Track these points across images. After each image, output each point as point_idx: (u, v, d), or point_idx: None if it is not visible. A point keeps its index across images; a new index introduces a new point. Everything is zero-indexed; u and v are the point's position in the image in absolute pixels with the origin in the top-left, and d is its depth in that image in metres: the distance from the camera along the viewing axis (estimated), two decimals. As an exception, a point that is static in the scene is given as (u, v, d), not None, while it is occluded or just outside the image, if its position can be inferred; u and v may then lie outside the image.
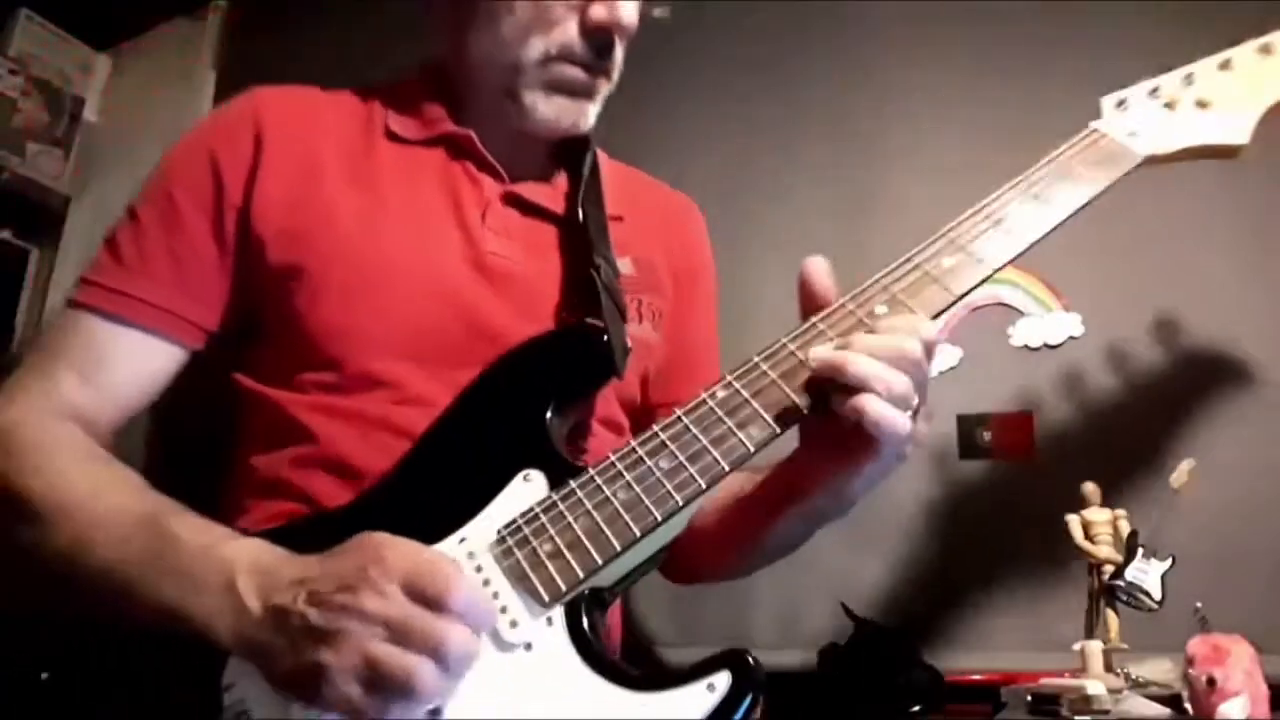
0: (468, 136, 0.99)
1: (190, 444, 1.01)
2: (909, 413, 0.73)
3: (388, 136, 0.99)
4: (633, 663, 0.74)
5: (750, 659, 0.71)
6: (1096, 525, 1.04)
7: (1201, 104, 0.95)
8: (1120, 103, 0.96)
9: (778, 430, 0.76)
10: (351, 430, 0.87)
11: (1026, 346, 1.34)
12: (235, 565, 0.73)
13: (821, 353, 0.75)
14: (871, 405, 0.71)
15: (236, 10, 2.21)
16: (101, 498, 0.80)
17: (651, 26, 1.00)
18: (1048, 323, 1.34)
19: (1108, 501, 1.06)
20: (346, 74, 2.07)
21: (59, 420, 0.86)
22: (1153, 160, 0.92)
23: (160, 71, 2.23)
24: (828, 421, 0.75)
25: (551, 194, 1.02)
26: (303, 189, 0.93)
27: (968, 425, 1.35)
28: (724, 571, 1.05)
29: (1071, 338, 1.32)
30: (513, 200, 0.99)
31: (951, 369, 1.38)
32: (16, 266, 2.17)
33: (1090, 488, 1.07)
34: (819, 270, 0.80)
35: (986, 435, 1.34)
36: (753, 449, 0.75)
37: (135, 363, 0.91)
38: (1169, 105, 0.96)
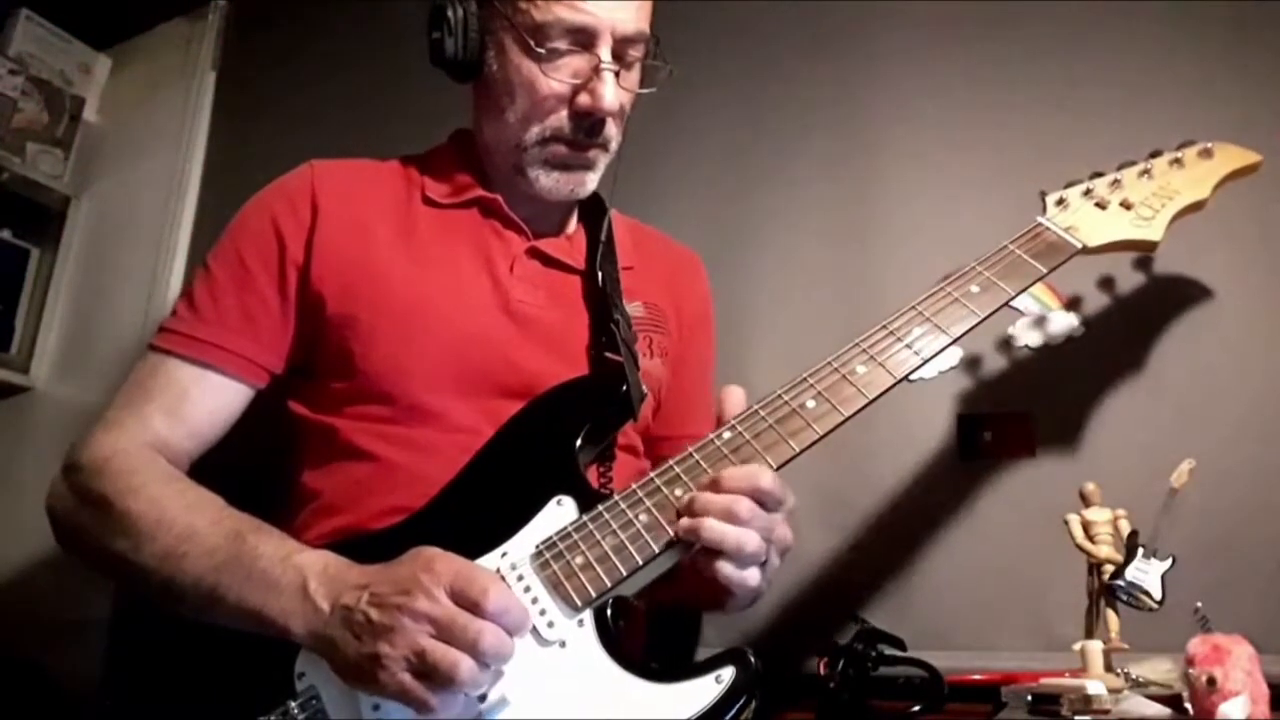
0: (495, 200, 1.13)
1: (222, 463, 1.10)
2: (757, 564, 0.87)
3: (425, 201, 1.13)
4: (653, 660, 0.86)
5: (751, 657, 0.83)
6: (1096, 525, 1.04)
7: (1125, 205, 1.11)
8: (1060, 201, 1.12)
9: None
10: (405, 454, 1.00)
11: (1026, 346, 1.34)
12: (307, 572, 0.86)
13: (683, 523, 0.87)
14: (722, 570, 0.86)
15: (236, 10, 2.21)
16: (191, 515, 0.92)
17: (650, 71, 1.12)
18: (1048, 323, 1.34)
19: (1108, 501, 1.06)
20: (345, 74, 2.10)
21: (149, 450, 1.00)
22: (1085, 251, 1.07)
23: (160, 71, 2.23)
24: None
25: (569, 249, 1.17)
26: (355, 248, 1.07)
27: (968, 425, 1.35)
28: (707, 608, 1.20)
29: (1071, 338, 1.32)
30: (535, 254, 1.13)
31: (951, 369, 1.38)
32: (16, 266, 2.17)
33: (1090, 488, 1.07)
34: (732, 399, 0.95)
35: (986, 435, 1.34)
36: None
37: (211, 401, 1.05)
38: (1100, 205, 1.11)
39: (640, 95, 1.13)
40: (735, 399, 0.95)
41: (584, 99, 1.05)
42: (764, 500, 0.87)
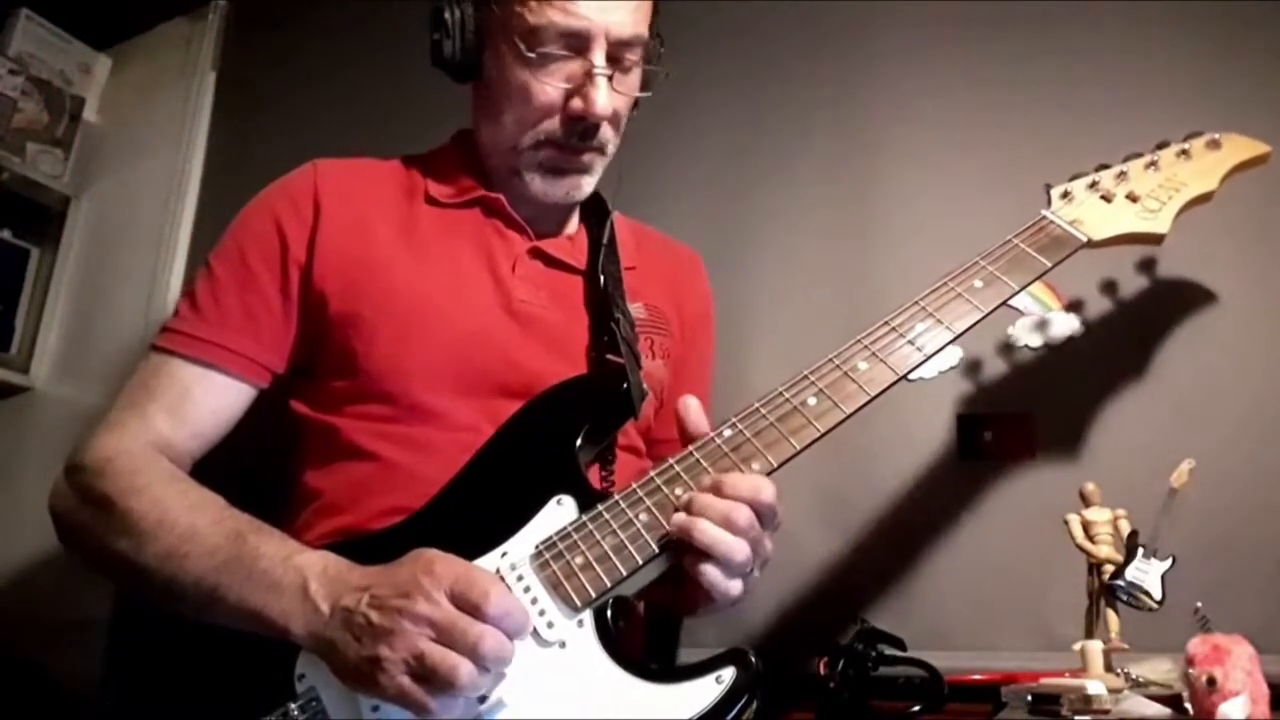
0: (498, 199, 1.13)
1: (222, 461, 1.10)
2: (741, 575, 0.87)
3: (428, 201, 1.13)
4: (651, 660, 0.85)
5: (751, 658, 0.83)
6: (1096, 525, 1.04)
7: (1132, 198, 1.09)
8: (1065, 194, 1.11)
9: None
10: (406, 453, 1.00)
11: (1027, 346, 1.34)
12: (308, 573, 0.86)
13: (678, 519, 0.86)
14: (707, 574, 0.85)
15: (236, 10, 2.21)
16: (193, 515, 0.92)
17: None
18: (1049, 325, 1.34)
19: (1108, 501, 1.06)
20: (345, 74, 2.10)
21: (152, 450, 1.00)
22: (1090, 245, 1.06)
23: (160, 71, 2.22)
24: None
25: (572, 249, 1.16)
26: (357, 247, 1.07)
27: (968, 425, 1.35)
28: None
29: (1071, 338, 1.32)
30: (538, 254, 1.13)
31: (951, 369, 1.37)
32: (16, 266, 2.17)
33: (1090, 488, 1.06)
34: (690, 409, 0.94)
35: (987, 435, 1.34)
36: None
37: (214, 401, 1.05)
38: (1105, 198, 1.10)
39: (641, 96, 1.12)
40: (694, 412, 0.94)
41: (576, 104, 1.05)
42: (762, 514, 0.87)
